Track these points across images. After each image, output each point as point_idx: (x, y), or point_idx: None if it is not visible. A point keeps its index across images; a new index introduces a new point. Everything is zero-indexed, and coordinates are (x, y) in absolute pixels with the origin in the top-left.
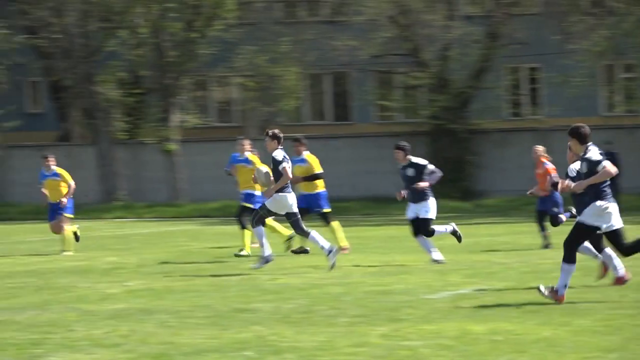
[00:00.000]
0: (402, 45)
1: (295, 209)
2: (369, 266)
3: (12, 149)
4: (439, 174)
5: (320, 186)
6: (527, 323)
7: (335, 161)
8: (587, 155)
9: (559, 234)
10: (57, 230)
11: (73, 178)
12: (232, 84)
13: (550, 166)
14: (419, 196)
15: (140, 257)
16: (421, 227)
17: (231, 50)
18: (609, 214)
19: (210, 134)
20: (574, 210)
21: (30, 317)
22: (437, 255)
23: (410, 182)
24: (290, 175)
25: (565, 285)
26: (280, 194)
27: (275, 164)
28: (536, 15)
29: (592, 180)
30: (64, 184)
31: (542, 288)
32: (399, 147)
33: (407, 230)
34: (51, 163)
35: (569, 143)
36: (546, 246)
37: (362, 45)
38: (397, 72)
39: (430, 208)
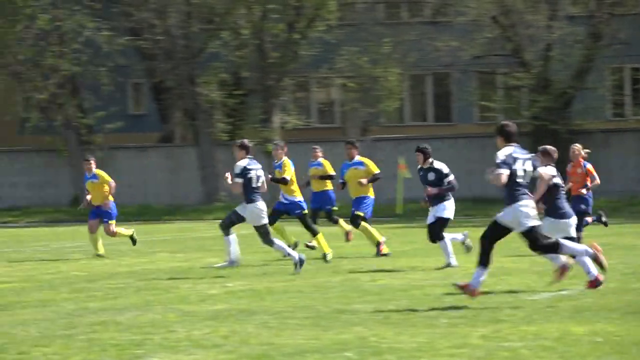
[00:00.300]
0: (504, 46)
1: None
2: (470, 267)
3: (114, 150)
4: (455, 186)
5: (369, 192)
6: (629, 324)
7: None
8: (499, 154)
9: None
10: (93, 230)
11: (175, 178)
12: (334, 85)
13: (589, 166)
14: (438, 199)
15: (241, 258)
16: (435, 228)
17: (333, 51)
18: (522, 215)
19: (311, 134)
20: (603, 217)
21: (131, 317)
22: (454, 261)
23: (430, 185)
24: (238, 190)
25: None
26: (251, 204)
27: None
28: (639, 15)
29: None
30: (105, 186)
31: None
32: (420, 150)
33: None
34: (92, 166)
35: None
36: None
37: (464, 46)
38: (499, 72)
39: (447, 207)
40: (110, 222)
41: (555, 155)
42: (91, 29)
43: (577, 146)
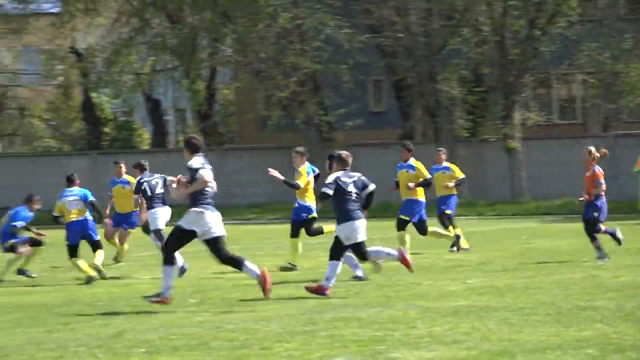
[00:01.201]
0: None
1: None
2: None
3: (355, 147)
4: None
5: (420, 194)
6: None
7: None
8: (189, 164)
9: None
10: (110, 237)
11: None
12: (575, 81)
13: (598, 170)
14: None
15: (481, 255)
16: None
17: (574, 47)
18: (205, 221)
19: (551, 131)
20: (619, 234)
21: (372, 313)
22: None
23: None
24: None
25: (169, 287)
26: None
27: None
28: None
29: (192, 188)
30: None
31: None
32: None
33: None
34: (122, 170)
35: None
36: (601, 257)
37: None
38: None
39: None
40: (129, 230)
41: (350, 160)
42: (332, 27)
43: (589, 148)
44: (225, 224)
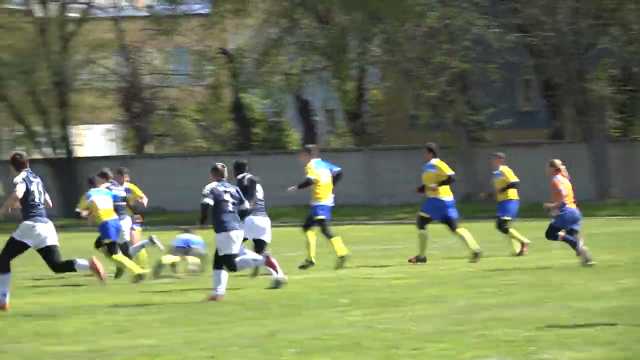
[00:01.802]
0: None
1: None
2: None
3: (504, 147)
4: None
5: (447, 193)
6: None
7: None
8: (15, 180)
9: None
10: None
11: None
12: None
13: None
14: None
15: (633, 255)
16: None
17: None
18: (37, 233)
19: None
20: (584, 249)
21: (523, 313)
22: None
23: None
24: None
25: (4, 294)
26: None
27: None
28: None
29: (8, 202)
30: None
31: None
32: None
33: None
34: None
35: None
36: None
37: None
38: None
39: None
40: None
41: (224, 171)
42: (480, 26)
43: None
44: (375, 224)
